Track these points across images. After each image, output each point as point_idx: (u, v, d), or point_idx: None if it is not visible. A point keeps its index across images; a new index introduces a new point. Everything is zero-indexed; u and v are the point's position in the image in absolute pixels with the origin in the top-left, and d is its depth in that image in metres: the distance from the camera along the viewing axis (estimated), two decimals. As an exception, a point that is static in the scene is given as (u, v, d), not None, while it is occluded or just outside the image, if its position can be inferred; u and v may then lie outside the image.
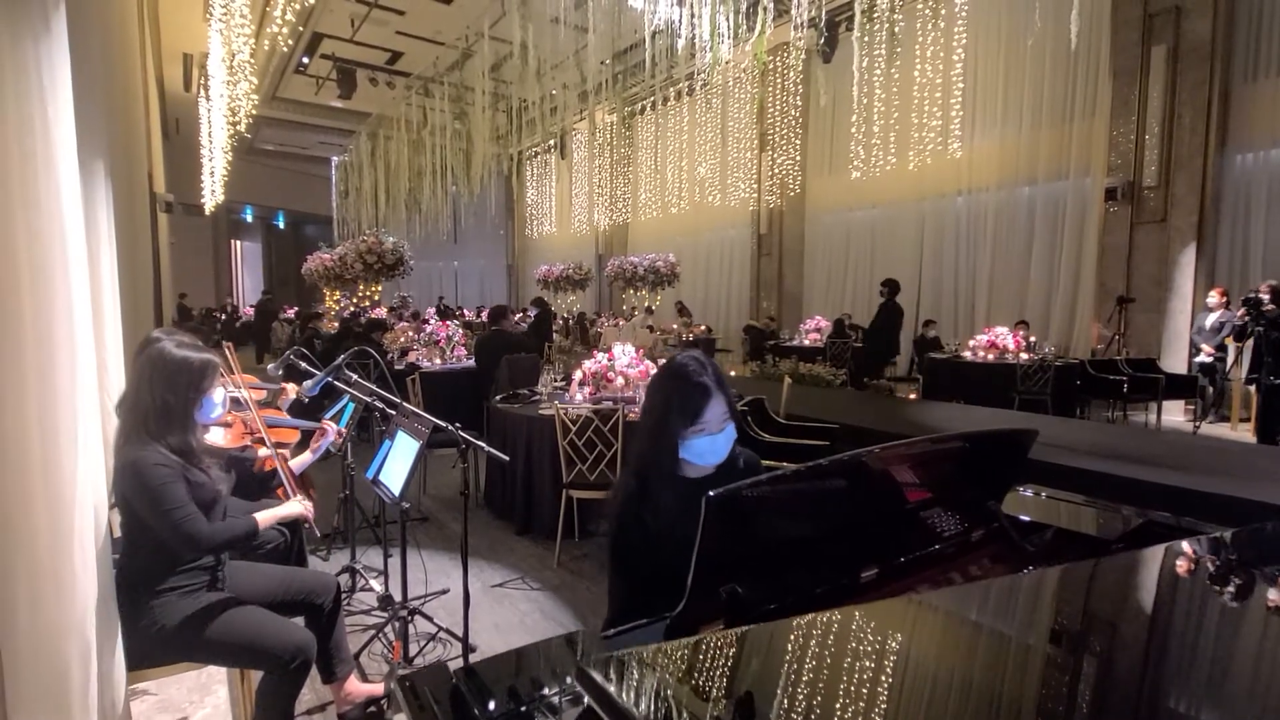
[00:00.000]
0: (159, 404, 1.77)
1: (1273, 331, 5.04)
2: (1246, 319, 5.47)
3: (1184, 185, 7.32)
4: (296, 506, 2.06)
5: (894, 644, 0.80)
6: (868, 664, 0.74)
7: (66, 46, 1.41)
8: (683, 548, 0.95)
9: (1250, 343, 5.63)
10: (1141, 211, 7.65)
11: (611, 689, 0.64)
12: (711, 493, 0.90)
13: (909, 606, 0.95)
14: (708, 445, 1.34)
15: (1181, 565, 1.04)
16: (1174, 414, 7.05)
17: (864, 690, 0.68)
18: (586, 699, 0.67)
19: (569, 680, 0.84)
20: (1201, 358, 6.69)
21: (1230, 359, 6.47)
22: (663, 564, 1.11)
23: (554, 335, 10.72)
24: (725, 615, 0.96)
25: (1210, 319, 6.59)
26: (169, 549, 1.75)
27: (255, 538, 1.88)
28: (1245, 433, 6.20)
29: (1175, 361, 7.30)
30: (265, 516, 1.95)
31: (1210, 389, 6.67)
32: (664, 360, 1.82)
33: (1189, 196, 7.29)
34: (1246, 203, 7.20)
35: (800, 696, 0.67)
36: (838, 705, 0.65)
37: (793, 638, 0.78)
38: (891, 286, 8.00)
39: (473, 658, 2.57)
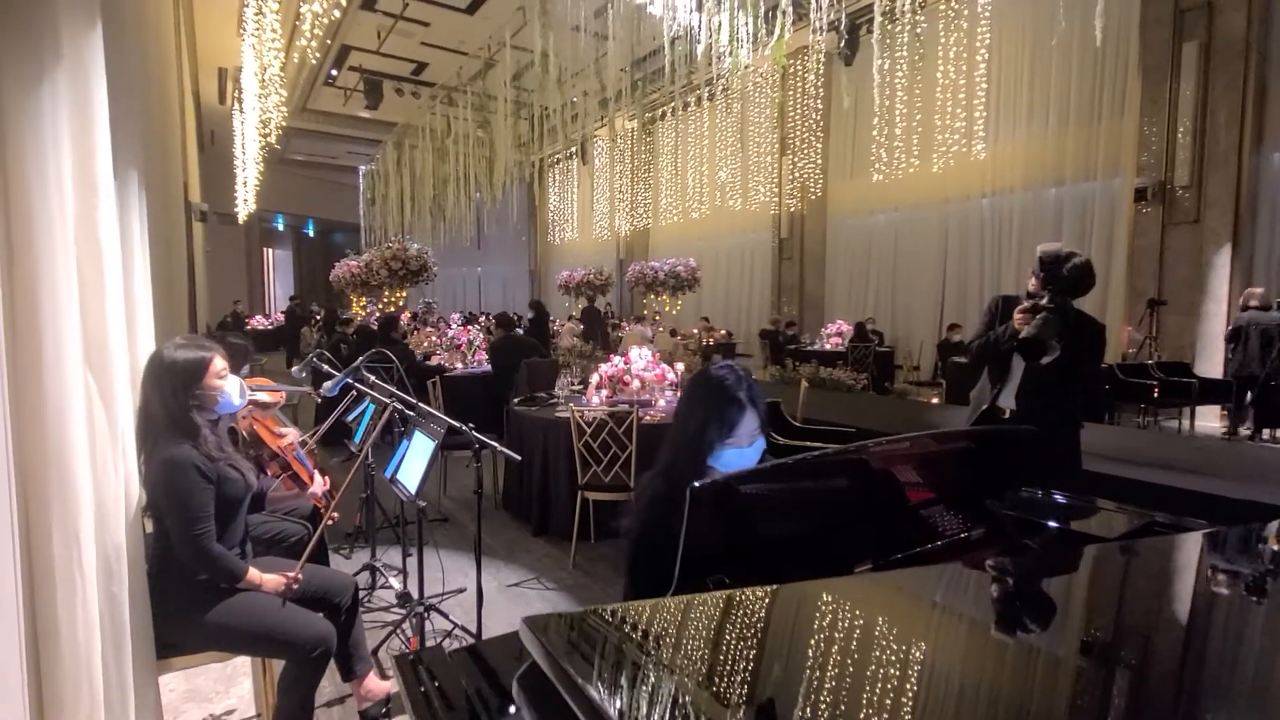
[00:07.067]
0: (158, 411, 1.79)
1: None
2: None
3: (1218, 185, 7.12)
4: (279, 580, 1.93)
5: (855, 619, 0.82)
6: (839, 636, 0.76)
7: (102, 64, 1.49)
8: None
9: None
10: (1174, 212, 7.46)
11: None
12: (697, 483, 0.94)
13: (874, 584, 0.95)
14: (736, 458, 1.38)
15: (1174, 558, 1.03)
16: (1209, 419, 6.84)
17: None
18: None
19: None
20: (1238, 362, 6.49)
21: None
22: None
23: (553, 339, 10.73)
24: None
25: (1247, 322, 6.39)
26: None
27: (238, 581, 1.86)
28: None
29: (1210, 366, 7.09)
30: (255, 575, 1.90)
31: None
32: (695, 369, 1.85)
33: (1224, 196, 7.09)
34: (1285, 202, 6.98)
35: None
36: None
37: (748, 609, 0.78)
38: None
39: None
